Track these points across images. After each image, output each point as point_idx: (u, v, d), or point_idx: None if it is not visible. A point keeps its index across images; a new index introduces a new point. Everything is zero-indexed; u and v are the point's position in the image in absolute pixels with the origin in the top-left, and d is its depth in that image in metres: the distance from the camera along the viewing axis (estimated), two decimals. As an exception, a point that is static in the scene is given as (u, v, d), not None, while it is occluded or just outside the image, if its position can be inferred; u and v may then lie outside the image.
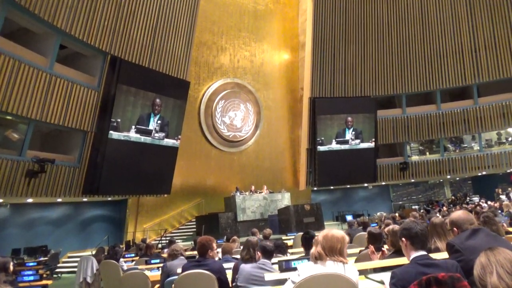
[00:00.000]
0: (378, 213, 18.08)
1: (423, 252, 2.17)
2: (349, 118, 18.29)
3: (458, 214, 2.67)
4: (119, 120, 12.48)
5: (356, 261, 3.78)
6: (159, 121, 13.83)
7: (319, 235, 2.36)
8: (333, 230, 2.33)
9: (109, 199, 14.38)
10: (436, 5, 18.49)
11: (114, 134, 12.36)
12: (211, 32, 18.33)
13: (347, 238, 2.34)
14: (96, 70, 12.38)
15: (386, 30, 18.91)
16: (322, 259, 2.26)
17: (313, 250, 2.33)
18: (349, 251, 5.23)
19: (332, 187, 20.55)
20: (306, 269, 2.27)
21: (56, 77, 10.83)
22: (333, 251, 2.25)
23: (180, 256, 4.30)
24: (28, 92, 10.05)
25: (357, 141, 18.35)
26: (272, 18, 20.50)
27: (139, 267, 5.67)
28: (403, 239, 2.23)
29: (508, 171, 18.71)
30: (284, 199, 15.93)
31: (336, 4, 18.83)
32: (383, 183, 20.24)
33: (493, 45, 17.93)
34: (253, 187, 15.98)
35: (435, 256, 2.41)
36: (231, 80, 18.76)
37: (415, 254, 2.17)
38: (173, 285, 3.53)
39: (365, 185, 20.61)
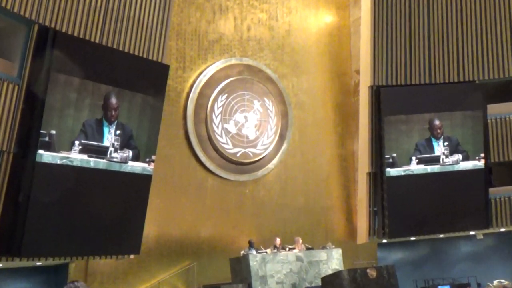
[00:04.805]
0: (496, 282, 17.67)
1: None
2: (436, 122, 18.13)
3: None
4: (53, 132, 12.59)
5: None
6: (117, 132, 13.95)
7: None
8: None
9: (39, 264, 14.45)
10: None
11: (45, 156, 12.45)
12: (203, -17, 18.63)
13: None
14: (16, 51, 12.61)
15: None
16: None
17: None
18: None
19: (413, 238, 20.23)
20: None
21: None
22: None
23: None
24: None
25: (454, 158, 18.16)
26: (304, -43, 20.75)
27: None
28: None
29: None
30: (332, 260, 15.78)
31: None
32: (502, 230, 19.81)
33: None
34: (278, 240, 15.85)
35: None
36: (237, 61, 18.90)
37: None
38: None
39: (471, 233, 20.22)
